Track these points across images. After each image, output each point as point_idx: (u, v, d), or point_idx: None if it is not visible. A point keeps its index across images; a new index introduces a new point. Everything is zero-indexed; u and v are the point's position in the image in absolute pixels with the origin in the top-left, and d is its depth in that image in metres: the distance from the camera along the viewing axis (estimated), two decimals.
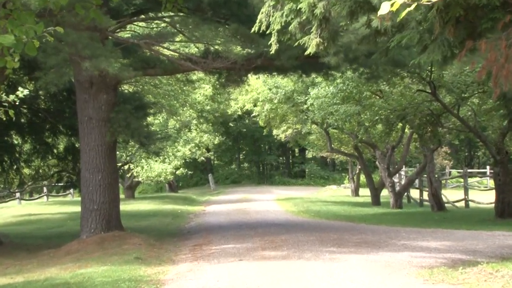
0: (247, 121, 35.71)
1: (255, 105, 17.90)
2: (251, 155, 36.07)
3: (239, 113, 27.12)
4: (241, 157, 40.03)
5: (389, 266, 4.81)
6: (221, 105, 25.94)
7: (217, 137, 25.00)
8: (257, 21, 4.71)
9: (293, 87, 14.91)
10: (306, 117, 14.84)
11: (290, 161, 38.94)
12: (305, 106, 13.91)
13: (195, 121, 21.84)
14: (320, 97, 12.25)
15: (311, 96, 12.81)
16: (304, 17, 4.28)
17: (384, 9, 1.53)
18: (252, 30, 4.71)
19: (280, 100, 15.34)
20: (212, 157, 35.81)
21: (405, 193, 15.36)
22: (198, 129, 22.45)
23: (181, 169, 19.39)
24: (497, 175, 9.32)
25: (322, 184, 33.05)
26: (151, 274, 4.97)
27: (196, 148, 21.42)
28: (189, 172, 22.00)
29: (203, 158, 23.71)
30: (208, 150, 25.05)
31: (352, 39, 5.17)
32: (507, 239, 6.35)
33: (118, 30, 8.26)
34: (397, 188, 15.08)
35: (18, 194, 16.74)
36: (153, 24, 9.69)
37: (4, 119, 6.24)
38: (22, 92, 4.26)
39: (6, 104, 4.49)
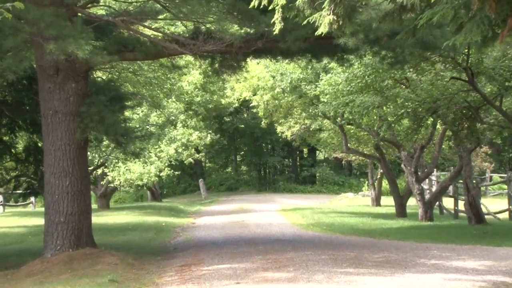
0: (245, 115, 35.83)
1: (254, 94, 17.94)
2: (251, 156, 36.10)
3: (236, 105, 27.15)
4: (238, 159, 40.06)
5: None
6: (214, 95, 25.96)
7: (209, 135, 25.02)
8: None
9: (301, 75, 14.93)
10: (316, 110, 14.87)
11: (298, 163, 38.97)
12: (313, 93, 13.93)
13: (182, 116, 21.87)
14: (333, 85, 12.26)
15: (322, 83, 12.83)
16: None
17: None
18: (251, 5, 4.61)
19: (285, 89, 15.35)
20: (203, 159, 35.97)
21: (437, 203, 15.38)
22: (186, 125, 22.49)
23: (166, 170, 19.43)
24: None
25: (336, 191, 33.05)
26: None
27: (183, 148, 21.45)
28: (176, 173, 22.04)
29: (192, 160, 23.72)
30: (198, 151, 25.08)
31: (372, 16, 5.16)
32: None
33: (89, 6, 8.26)
34: (427, 197, 15.10)
35: None
36: None
37: None
38: None
39: None
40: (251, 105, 19.98)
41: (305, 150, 38.15)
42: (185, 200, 27.61)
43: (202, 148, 26.33)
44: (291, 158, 38.59)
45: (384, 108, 12.18)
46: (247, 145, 36.69)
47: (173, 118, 20.56)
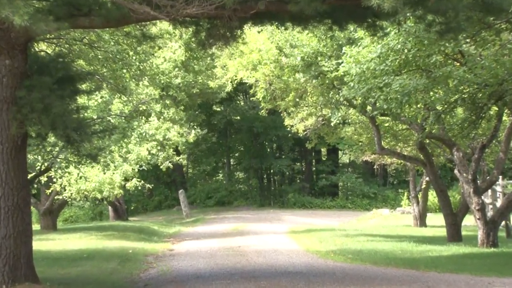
0: (241, 103, 35.90)
1: (254, 69, 17.89)
2: (249, 159, 36.09)
3: (229, 89, 27.17)
4: (232, 163, 40.05)
5: None
6: (199, 76, 26.03)
7: (193, 130, 25.03)
8: None
9: (318, 47, 14.93)
10: (338, 96, 14.89)
11: (313, 169, 38.91)
12: (334, 73, 13.94)
13: (157, 104, 21.92)
14: (361, 62, 12.27)
15: (347, 60, 12.83)
16: None
17: None
18: None
19: (296, 67, 15.37)
20: (185, 163, 35.99)
21: (503, 222, 15.41)
22: (162, 116, 22.54)
23: (134, 180, 19.48)
24: None
25: (366, 206, 33.07)
26: None
27: (158, 148, 21.51)
28: (148, 186, 22.12)
29: (170, 165, 23.75)
30: (178, 152, 25.14)
31: None
32: None
33: None
34: (489, 213, 15.15)
35: None
36: None
37: None
38: None
39: None
40: (247, 84, 19.90)
41: (323, 151, 38.20)
42: (160, 219, 27.59)
43: (183, 148, 26.40)
44: (304, 162, 38.59)
45: (431, 93, 12.18)
46: (244, 143, 36.66)
47: (144, 107, 20.57)
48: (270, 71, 16.98)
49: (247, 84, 20.06)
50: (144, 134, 20.46)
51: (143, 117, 20.86)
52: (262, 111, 19.91)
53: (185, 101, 25.10)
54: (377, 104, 13.14)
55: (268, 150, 37.07)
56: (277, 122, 30.35)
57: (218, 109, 34.16)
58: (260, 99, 18.55)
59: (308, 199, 33.58)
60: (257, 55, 17.44)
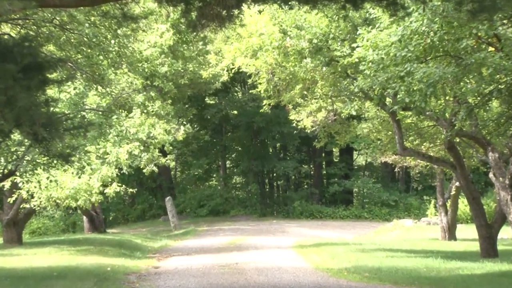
0: (239, 95, 35.91)
1: (254, 56, 17.86)
2: (248, 160, 36.14)
3: (225, 78, 27.19)
4: (228, 165, 40.00)
5: None
6: (190, 63, 26.04)
7: (182, 127, 24.97)
8: None
9: (329, 29, 14.93)
10: (352, 86, 14.89)
11: (323, 172, 38.92)
12: (348, 59, 13.94)
13: (140, 96, 21.90)
14: (378, 46, 12.27)
15: (363, 43, 12.84)
16: None
17: None
18: None
19: (303, 51, 15.37)
20: (173, 166, 35.99)
21: None
22: (146, 110, 22.53)
23: (114, 184, 19.47)
24: None
25: (385, 216, 33.06)
26: None
27: (142, 148, 21.49)
28: (130, 190, 22.12)
29: (155, 168, 23.71)
30: (164, 152, 25.12)
31: None
32: None
33: None
34: None
35: None
36: None
37: None
38: None
39: None
40: (246, 74, 19.92)
41: (335, 151, 38.15)
42: (143, 231, 27.58)
43: (170, 148, 26.40)
44: (312, 164, 38.57)
45: (462, 83, 12.19)
46: (242, 142, 36.66)
47: (126, 100, 20.55)
48: (273, 59, 16.96)
49: (246, 74, 20.05)
50: (124, 132, 20.44)
51: (124, 112, 20.84)
52: (264, 107, 19.88)
53: (173, 92, 25.13)
54: (398, 96, 13.16)
55: (271, 150, 37.10)
56: (280, 117, 30.35)
57: (212, 102, 34.20)
58: (262, 93, 18.51)
59: (317, 207, 33.58)
60: (257, 40, 17.42)
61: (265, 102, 19.28)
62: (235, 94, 35.84)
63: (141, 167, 22.77)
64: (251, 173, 35.92)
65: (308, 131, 20.78)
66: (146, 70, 22.58)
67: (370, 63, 12.68)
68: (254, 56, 17.91)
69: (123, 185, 20.49)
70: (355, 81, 14.44)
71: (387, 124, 18.56)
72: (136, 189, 25.09)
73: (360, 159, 39.50)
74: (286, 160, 36.08)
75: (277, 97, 18.51)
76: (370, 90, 14.26)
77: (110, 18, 12.14)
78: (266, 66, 17.35)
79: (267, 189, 36.96)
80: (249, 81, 20.54)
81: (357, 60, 13.35)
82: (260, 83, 18.04)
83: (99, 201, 19.67)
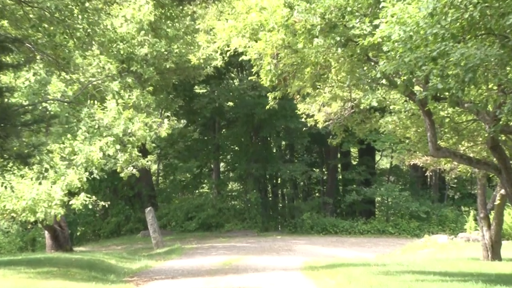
0: (235, 82, 35.73)
1: (254, 35, 17.87)
2: (247, 162, 36.05)
3: (218, 62, 27.12)
4: (222, 168, 39.91)
5: None
6: (175, 44, 25.97)
7: (166, 121, 24.86)
8: None
9: (345, 2, 14.94)
10: (373, 72, 14.91)
11: (339, 177, 38.82)
12: (368, 39, 13.98)
13: (115, 84, 21.92)
14: (405, 23, 12.32)
15: (388, 19, 12.88)
16: None
17: None
18: None
19: (314, 30, 15.41)
20: (155, 169, 35.79)
21: None
22: (122, 101, 22.51)
23: (82, 195, 19.47)
24: None
25: (415, 231, 33.04)
26: None
27: (118, 147, 21.52)
28: (102, 204, 22.12)
29: (134, 172, 23.71)
30: (145, 152, 25.12)
31: None
32: None
33: None
34: None
35: None
36: None
37: None
38: None
39: None
40: (245, 57, 19.93)
41: (354, 152, 38.09)
42: (119, 249, 27.46)
43: (152, 146, 26.40)
44: (325, 167, 38.47)
45: (508, 68, 12.23)
46: (239, 140, 36.59)
47: (97, 88, 20.61)
48: (279, 40, 16.96)
49: (244, 56, 20.01)
50: (96, 126, 20.50)
51: (95, 103, 20.86)
52: (270, 102, 19.85)
53: (155, 79, 25.13)
54: (430, 82, 13.18)
55: (274, 150, 37.12)
56: (287, 109, 30.25)
57: (202, 91, 34.20)
58: (266, 83, 18.45)
59: (331, 220, 33.61)
60: (257, 16, 17.42)
61: (270, 96, 19.22)
62: (231, 81, 35.87)
63: (117, 170, 22.75)
64: (250, 178, 35.92)
65: (320, 127, 20.77)
66: (122, 52, 22.62)
67: (396, 43, 12.69)
68: (254, 36, 17.91)
69: (93, 196, 20.45)
70: (377, 65, 14.46)
71: (416, 119, 18.58)
72: (109, 200, 25.04)
73: (383, 162, 39.56)
74: (293, 163, 36.13)
75: (284, 87, 18.51)
76: (395, 76, 14.28)
77: None
78: (271, 49, 17.34)
79: (270, 198, 37.02)
80: (249, 66, 20.57)
81: (379, 39, 13.38)
82: (262, 70, 18.01)
83: (61, 214, 19.62)
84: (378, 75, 15.06)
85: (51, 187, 18.17)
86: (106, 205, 23.03)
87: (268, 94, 19.34)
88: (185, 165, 37.37)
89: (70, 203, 19.64)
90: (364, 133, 22.05)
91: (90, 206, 21.34)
